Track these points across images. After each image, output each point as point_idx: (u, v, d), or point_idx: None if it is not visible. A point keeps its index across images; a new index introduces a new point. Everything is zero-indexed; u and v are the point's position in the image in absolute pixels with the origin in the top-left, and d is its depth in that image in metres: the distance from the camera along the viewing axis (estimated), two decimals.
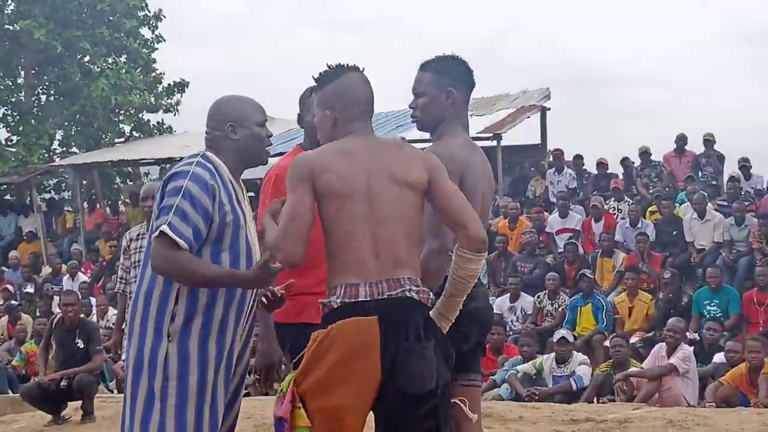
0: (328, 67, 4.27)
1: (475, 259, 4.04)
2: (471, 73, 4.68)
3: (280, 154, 20.48)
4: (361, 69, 4.31)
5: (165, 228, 4.38)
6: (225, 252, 4.50)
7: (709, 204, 14.88)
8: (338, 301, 4.05)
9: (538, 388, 11.31)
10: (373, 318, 3.98)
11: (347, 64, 4.28)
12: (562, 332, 11.93)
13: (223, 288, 4.46)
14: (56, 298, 15.56)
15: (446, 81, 4.58)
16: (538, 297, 13.83)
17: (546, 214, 16.48)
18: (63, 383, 9.89)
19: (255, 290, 4.62)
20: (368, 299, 4.00)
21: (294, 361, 4.29)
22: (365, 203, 4.06)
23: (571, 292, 13.92)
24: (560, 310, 13.56)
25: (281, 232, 4.05)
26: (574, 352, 11.81)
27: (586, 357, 11.82)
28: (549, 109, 20.44)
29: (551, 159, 18.69)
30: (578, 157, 18.50)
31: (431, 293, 4.13)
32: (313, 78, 4.33)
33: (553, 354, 11.69)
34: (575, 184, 17.78)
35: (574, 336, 12.66)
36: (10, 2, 26.36)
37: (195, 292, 4.48)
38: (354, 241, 4.06)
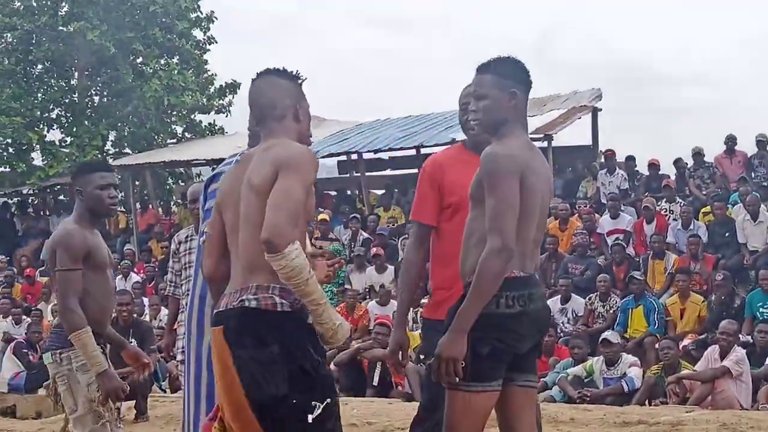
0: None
1: (272, 258, 3.99)
2: (528, 73, 4.65)
3: (331, 155, 20.64)
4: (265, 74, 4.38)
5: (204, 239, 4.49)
6: None
7: (762, 205, 14.74)
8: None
9: (590, 390, 11.27)
10: (219, 328, 4.11)
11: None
12: (606, 334, 11.89)
13: None
14: None
15: (508, 82, 4.54)
16: (590, 299, 13.76)
17: (597, 215, 16.41)
18: None
19: None
20: (221, 310, 4.15)
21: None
22: (234, 214, 4.20)
23: (622, 294, 13.85)
24: (611, 312, 13.49)
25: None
26: (624, 353, 11.75)
27: (636, 359, 11.75)
28: (600, 109, 20.34)
29: (603, 159, 18.60)
30: (630, 159, 18.40)
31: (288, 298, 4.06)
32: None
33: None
34: (627, 185, 17.68)
35: (625, 338, 12.59)
36: (63, 4, 26.62)
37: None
38: (230, 252, 4.25)
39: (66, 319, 5.35)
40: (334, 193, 22.67)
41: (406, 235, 16.30)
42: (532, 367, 4.63)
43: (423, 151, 19.87)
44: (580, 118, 19.73)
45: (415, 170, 17.37)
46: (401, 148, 20.69)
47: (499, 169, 4.30)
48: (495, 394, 4.41)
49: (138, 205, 23.22)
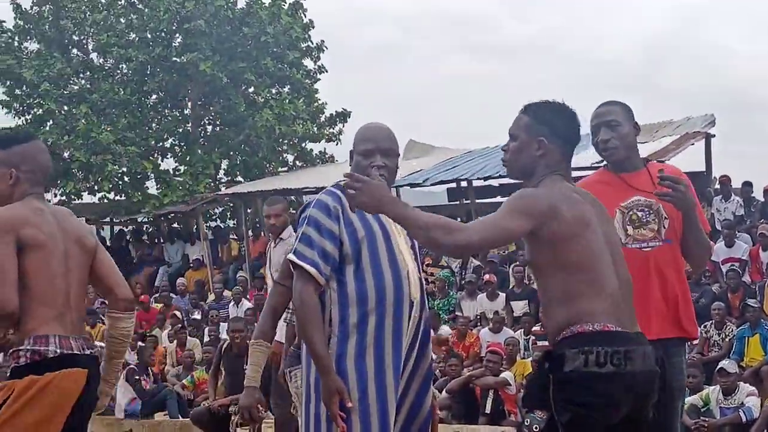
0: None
1: (125, 317, 4.16)
2: (574, 126, 4.31)
3: (441, 182, 20.65)
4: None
5: (291, 255, 4.55)
6: (368, 272, 4.58)
7: None
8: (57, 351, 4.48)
9: (707, 420, 11.09)
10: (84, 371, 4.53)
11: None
12: (723, 363, 11.69)
13: (372, 305, 4.55)
14: (223, 325, 15.86)
15: (541, 129, 4.25)
16: (705, 327, 13.55)
17: (712, 242, 16.13)
18: (232, 408, 10.10)
19: (418, 297, 4.68)
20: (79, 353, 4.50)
21: None
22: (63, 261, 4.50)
23: (737, 322, 13.61)
24: (727, 340, 13.26)
25: None
26: (741, 383, 11.54)
27: (754, 388, 11.53)
28: (713, 135, 20.05)
29: (717, 186, 18.33)
30: (747, 184, 18.11)
31: None
32: None
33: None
34: (742, 212, 17.40)
35: (741, 367, 12.37)
36: (177, 36, 27.10)
37: (345, 312, 4.56)
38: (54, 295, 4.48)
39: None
40: None
41: (517, 262, 16.23)
42: None
43: None
44: (693, 144, 19.47)
45: None
46: None
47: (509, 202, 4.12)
48: None
49: (250, 233, 23.45)
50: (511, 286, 16.15)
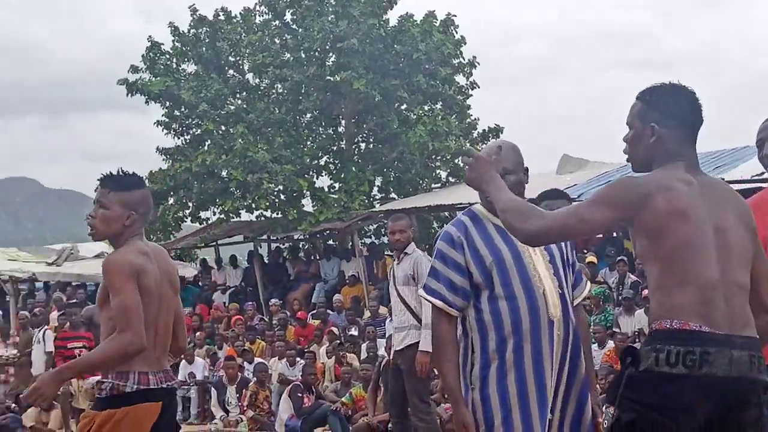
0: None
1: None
2: (692, 107, 4.06)
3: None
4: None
5: (421, 290, 4.69)
6: (501, 298, 4.65)
7: None
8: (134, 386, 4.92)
9: None
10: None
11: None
12: None
13: (508, 330, 4.60)
14: (380, 341, 15.99)
15: (653, 114, 4.03)
16: None
17: None
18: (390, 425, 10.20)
19: (558, 315, 4.70)
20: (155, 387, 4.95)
21: None
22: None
23: None
24: None
25: None
26: None
27: None
28: None
29: None
30: None
31: None
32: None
33: None
34: None
35: None
36: (331, 55, 27.43)
37: (485, 338, 4.61)
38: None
39: None
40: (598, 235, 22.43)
41: None
42: None
43: None
44: None
45: None
46: None
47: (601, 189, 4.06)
48: None
49: None
50: None
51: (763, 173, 18.22)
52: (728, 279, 3.78)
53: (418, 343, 9.05)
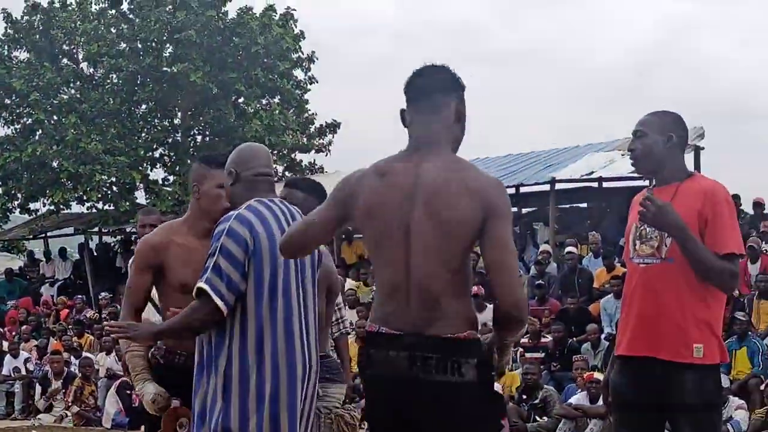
0: None
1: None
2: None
3: None
4: None
5: None
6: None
7: None
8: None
9: None
10: None
11: None
12: None
13: None
14: None
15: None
16: None
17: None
18: None
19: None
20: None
21: None
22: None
23: (725, 335, 13.60)
24: None
25: None
26: (730, 396, 11.53)
27: (742, 401, 11.53)
28: (702, 148, 20.03)
29: None
30: (735, 197, 18.09)
31: None
32: None
33: None
34: None
35: (729, 380, 12.36)
36: (168, 46, 27.08)
37: None
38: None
39: None
40: None
41: None
42: None
43: (522, 189, 19.79)
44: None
45: (514, 209, 17.30)
46: None
47: None
48: None
49: None
50: None
51: (591, 173, 18.66)
52: (411, 275, 3.82)
53: None
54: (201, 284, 4.39)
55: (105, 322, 18.76)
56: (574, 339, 14.36)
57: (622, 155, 17.66)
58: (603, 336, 14.02)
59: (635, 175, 17.88)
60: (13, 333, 21.06)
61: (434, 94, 3.99)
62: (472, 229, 3.77)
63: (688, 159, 19.85)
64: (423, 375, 3.74)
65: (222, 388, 4.44)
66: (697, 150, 19.89)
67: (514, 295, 3.73)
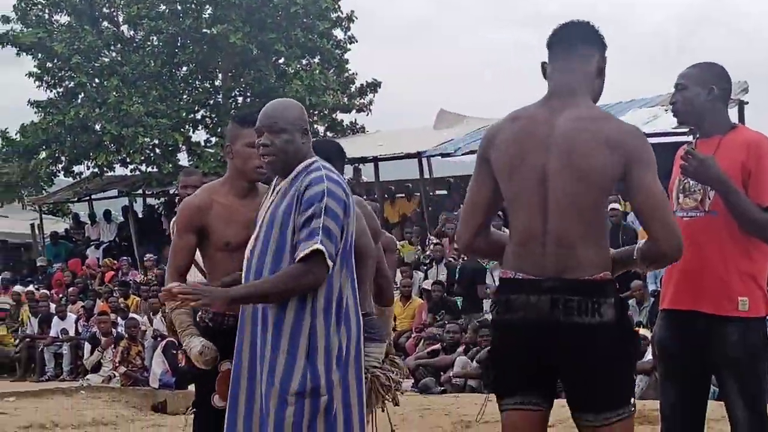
0: None
1: None
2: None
3: (472, 152, 20.54)
4: None
5: None
6: None
7: None
8: None
9: None
10: None
11: None
12: None
13: None
14: None
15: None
16: None
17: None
18: None
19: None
20: None
21: None
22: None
23: None
24: None
25: None
26: None
27: None
28: (747, 102, 19.83)
29: None
30: None
31: None
32: None
33: None
34: None
35: None
36: (207, 7, 27.05)
37: None
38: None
39: None
40: None
41: None
42: None
43: None
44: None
45: None
46: None
47: None
48: None
49: None
50: None
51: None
52: (549, 225, 3.91)
53: None
54: (317, 245, 4.34)
55: (151, 284, 18.93)
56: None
57: (666, 110, 17.52)
58: (649, 292, 13.97)
59: (679, 130, 17.78)
60: (60, 295, 21.28)
61: (578, 45, 4.08)
62: (610, 178, 3.86)
63: (732, 114, 19.66)
64: (564, 317, 3.83)
65: (306, 347, 4.42)
66: (741, 104, 19.70)
67: (675, 237, 3.88)
